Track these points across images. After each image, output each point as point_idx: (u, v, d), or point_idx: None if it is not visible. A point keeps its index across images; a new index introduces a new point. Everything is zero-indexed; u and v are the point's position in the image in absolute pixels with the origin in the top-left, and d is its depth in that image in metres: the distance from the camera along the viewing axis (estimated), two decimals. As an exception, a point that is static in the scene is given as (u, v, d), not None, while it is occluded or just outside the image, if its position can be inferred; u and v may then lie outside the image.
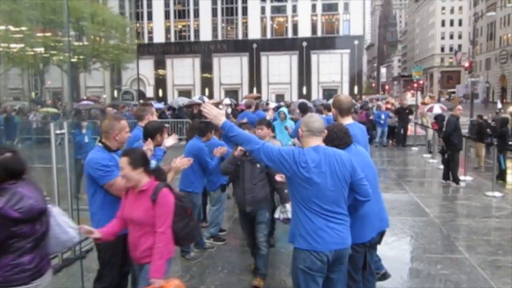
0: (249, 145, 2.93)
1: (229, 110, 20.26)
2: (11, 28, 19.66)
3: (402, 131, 16.27)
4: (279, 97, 44.75)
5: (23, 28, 21.13)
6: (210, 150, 5.05)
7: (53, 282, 4.49)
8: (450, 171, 9.49)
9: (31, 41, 22.58)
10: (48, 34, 22.97)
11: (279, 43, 50.58)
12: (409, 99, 27.58)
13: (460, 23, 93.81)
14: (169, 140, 4.00)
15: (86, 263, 4.72)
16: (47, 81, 30.02)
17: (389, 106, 19.26)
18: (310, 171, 2.78)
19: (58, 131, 4.92)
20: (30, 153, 15.55)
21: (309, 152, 2.84)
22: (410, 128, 17.20)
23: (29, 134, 17.34)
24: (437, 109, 19.09)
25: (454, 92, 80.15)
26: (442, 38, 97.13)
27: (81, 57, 30.66)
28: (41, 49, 23.91)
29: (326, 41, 50.02)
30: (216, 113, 2.96)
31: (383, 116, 16.21)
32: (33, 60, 25.15)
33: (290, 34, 51.33)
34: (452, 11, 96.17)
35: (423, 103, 29.26)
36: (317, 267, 2.79)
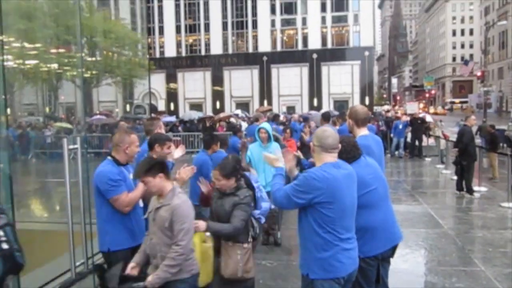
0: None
1: (243, 123, 20.33)
2: (26, 45, 20.04)
3: (416, 142, 16.01)
4: (290, 109, 44.87)
5: (38, 45, 21.52)
6: (216, 163, 5.01)
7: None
8: (463, 182, 9.37)
9: (45, 58, 23.00)
10: (62, 50, 23.40)
11: (289, 56, 50.79)
12: (409, 109, 27.42)
13: (471, 33, 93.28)
14: (178, 152, 4.00)
15: (98, 277, 4.73)
16: (61, 96, 30.47)
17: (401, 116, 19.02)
18: (334, 189, 2.71)
19: (71, 146, 4.99)
20: (45, 168, 15.78)
21: (330, 168, 2.75)
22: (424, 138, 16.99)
23: (44, 149, 17.62)
24: (429, 118, 19.10)
25: (454, 102, 79.98)
26: (453, 47, 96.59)
27: (94, 72, 31.11)
28: (55, 65, 24.33)
29: (337, 52, 50.08)
30: (273, 158, 3.16)
31: (400, 126, 15.99)
32: (47, 76, 25.59)
33: (300, 47, 51.54)
34: (462, 20, 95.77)
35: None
36: None
